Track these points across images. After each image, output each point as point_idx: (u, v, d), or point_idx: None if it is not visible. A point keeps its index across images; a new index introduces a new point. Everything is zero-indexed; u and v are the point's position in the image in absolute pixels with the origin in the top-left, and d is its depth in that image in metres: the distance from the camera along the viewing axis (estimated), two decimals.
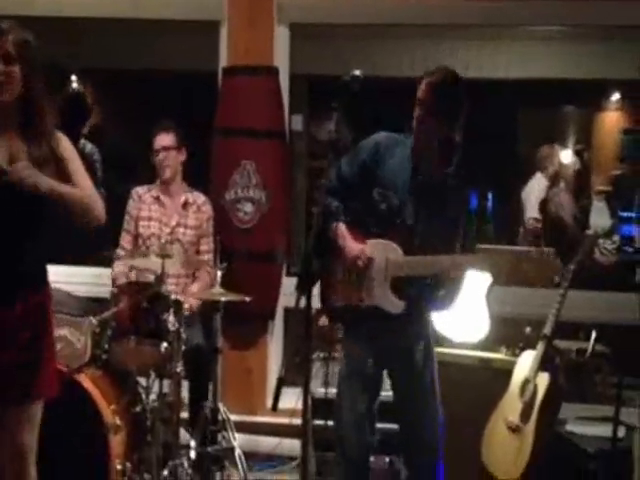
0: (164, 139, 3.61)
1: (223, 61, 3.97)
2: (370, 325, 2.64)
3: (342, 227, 2.68)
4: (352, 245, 2.64)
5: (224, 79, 3.94)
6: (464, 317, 3.26)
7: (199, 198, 3.71)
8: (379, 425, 2.77)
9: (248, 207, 3.89)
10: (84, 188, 2.31)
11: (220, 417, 3.30)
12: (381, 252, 2.61)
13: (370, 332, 2.65)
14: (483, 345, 3.36)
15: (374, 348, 2.68)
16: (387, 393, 2.79)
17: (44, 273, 2.33)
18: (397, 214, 2.62)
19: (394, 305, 2.58)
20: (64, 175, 2.28)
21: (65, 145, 2.32)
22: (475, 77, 4.78)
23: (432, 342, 2.77)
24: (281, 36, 3.94)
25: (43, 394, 2.28)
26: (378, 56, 5.07)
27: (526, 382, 2.96)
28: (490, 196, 6.45)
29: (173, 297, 3.18)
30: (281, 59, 3.94)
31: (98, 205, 2.33)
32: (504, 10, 3.80)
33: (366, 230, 2.66)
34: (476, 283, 3.03)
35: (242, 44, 3.90)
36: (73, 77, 5.44)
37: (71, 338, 3.01)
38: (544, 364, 2.97)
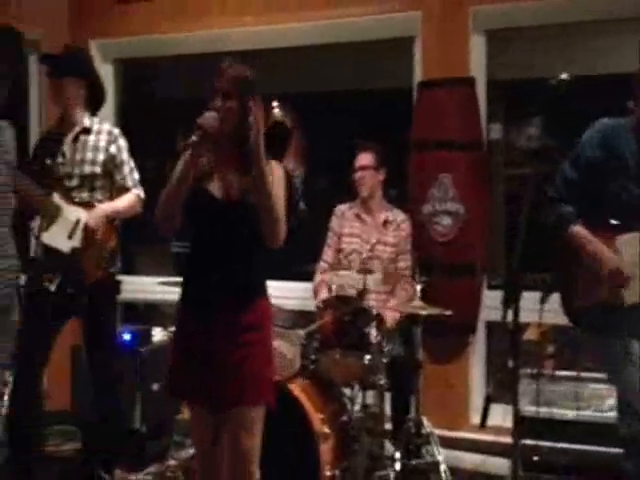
0: (363, 158, 3.71)
1: (418, 76, 3.99)
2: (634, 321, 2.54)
3: (582, 230, 2.61)
4: (602, 247, 2.58)
5: (419, 93, 3.95)
6: None
7: (399, 216, 3.76)
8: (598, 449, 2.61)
9: (446, 220, 3.87)
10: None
11: (424, 431, 3.30)
12: (634, 246, 2.51)
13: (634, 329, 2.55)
14: None
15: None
16: (612, 414, 2.62)
17: (264, 287, 2.45)
18: None
19: None
20: None
21: (277, 174, 2.40)
22: None
23: None
24: (477, 44, 3.89)
25: (263, 401, 2.39)
26: (580, 55, 4.82)
27: None
28: None
29: (375, 311, 3.25)
30: (477, 68, 3.89)
31: (283, 230, 2.36)
32: None
33: (604, 226, 2.58)
34: None
35: (436, 57, 3.90)
36: (274, 103, 5.73)
37: (282, 349, 3.17)
38: None
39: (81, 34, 4.49)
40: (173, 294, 3.73)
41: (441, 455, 3.29)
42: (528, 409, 3.04)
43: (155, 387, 3.89)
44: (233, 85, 2.33)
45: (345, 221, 3.78)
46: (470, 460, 3.70)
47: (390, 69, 4.63)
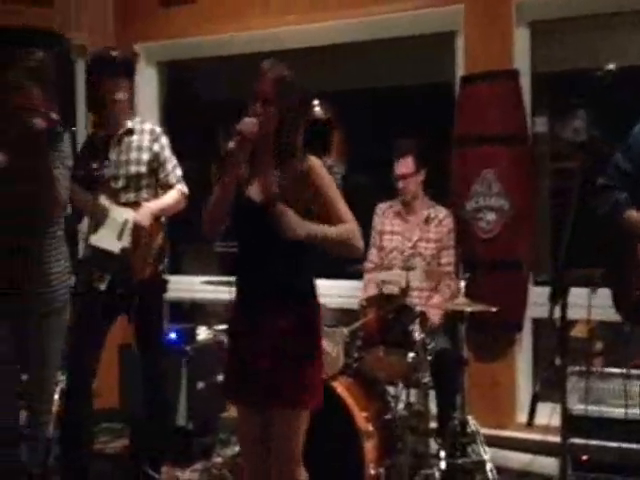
0: (403, 166, 3.65)
1: (460, 70, 3.95)
2: None
3: (638, 215, 2.60)
4: None
5: (462, 88, 3.91)
6: None
7: (441, 212, 3.73)
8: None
9: (490, 216, 3.82)
10: (343, 219, 2.32)
11: (469, 429, 3.27)
12: None
13: None
14: None
15: None
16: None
17: (312, 287, 2.44)
18: None
19: None
20: (320, 203, 2.33)
21: (320, 173, 2.36)
22: None
23: None
24: (520, 37, 3.83)
25: (311, 404, 2.39)
26: (626, 45, 4.70)
27: None
28: None
29: (418, 309, 3.23)
30: (521, 60, 3.83)
31: (357, 237, 2.32)
32: None
33: None
34: None
35: (479, 50, 3.85)
36: (315, 101, 5.74)
37: (326, 347, 3.16)
38: None
39: (126, 38, 4.57)
40: (217, 293, 3.79)
41: (487, 454, 3.25)
42: (577, 407, 2.98)
43: (200, 385, 3.93)
44: (272, 89, 2.32)
45: (386, 219, 3.77)
46: (517, 459, 3.64)
47: (432, 64, 4.58)
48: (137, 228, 3.19)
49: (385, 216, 3.78)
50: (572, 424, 2.58)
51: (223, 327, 3.76)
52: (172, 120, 3.73)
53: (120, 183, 3.26)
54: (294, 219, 2.24)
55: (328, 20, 4.21)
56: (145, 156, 3.28)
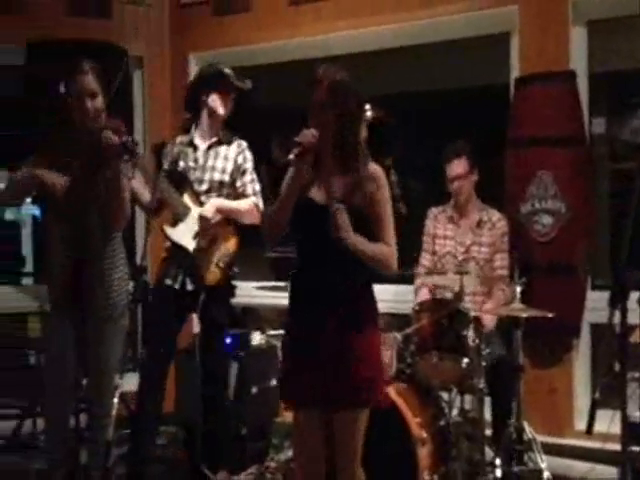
0: (456, 167, 3.62)
1: (515, 71, 3.89)
2: None
3: None
4: None
5: (517, 90, 3.85)
6: None
7: (494, 215, 3.68)
8: None
9: (546, 219, 3.75)
10: (385, 239, 2.39)
11: (525, 437, 3.21)
12: None
13: None
14: None
15: None
16: None
17: (371, 290, 2.47)
18: None
19: None
20: (370, 217, 2.38)
21: (381, 186, 2.42)
22: None
23: None
24: (577, 36, 3.75)
25: (370, 402, 2.42)
26: None
27: None
28: None
29: (472, 314, 3.19)
30: (578, 61, 3.75)
31: (393, 262, 2.42)
32: None
33: None
34: None
35: (535, 51, 3.79)
36: (369, 105, 5.73)
37: None
38: None
39: (181, 48, 4.66)
40: (270, 298, 3.81)
41: (544, 462, 3.19)
42: (637, 414, 2.89)
43: (254, 390, 3.95)
44: (328, 95, 2.35)
45: (438, 223, 3.74)
46: (576, 468, 3.55)
47: (485, 66, 4.53)
48: (202, 220, 3.29)
49: (437, 220, 3.75)
50: (632, 431, 2.49)
51: (276, 332, 3.79)
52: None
53: (204, 186, 3.42)
54: (347, 222, 2.29)
55: (379, 25, 4.21)
56: (229, 166, 3.44)
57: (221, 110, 3.43)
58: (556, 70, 3.73)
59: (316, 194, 2.42)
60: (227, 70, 3.48)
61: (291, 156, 2.31)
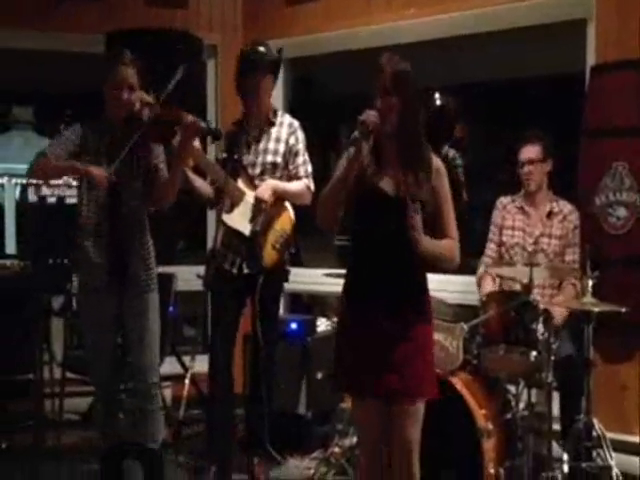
0: (529, 151, 3.57)
1: (591, 59, 3.79)
2: None
3: None
4: None
5: (592, 78, 3.74)
6: None
7: (565, 207, 3.60)
8: None
9: (621, 212, 3.65)
10: (448, 233, 2.42)
11: (595, 433, 3.15)
12: None
13: None
14: None
15: None
16: None
17: (425, 280, 2.49)
18: None
19: None
20: (434, 211, 2.41)
21: (442, 181, 2.44)
22: None
23: None
24: None
25: (426, 394, 2.45)
26: None
27: None
28: None
29: (542, 306, 3.14)
30: None
31: (457, 255, 2.44)
32: None
33: None
34: None
35: (613, 38, 3.67)
36: (436, 94, 5.69)
37: (445, 342, 3.14)
38: None
39: (253, 37, 4.71)
40: (337, 286, 3.84)
41: (613, 459, 3.12)
42: None
43: (319, 375, 4.00)
44: (391, 82, 2.37)
45: (507, 214, 3.68)
46: None
47: (560, 54, 4.42)
48: (257, 201, 3.32)
49: (507, 210, 3.69)
50: None
51: None
52: (296, 115, 3.86)
53: (257, 169, 3.43)
54: (420, 223, 2.33)
55: (451, 12, 4.16)
56: (282, 147, 3.44)
57: (268, 90, 3.41)
58: (634, 58, 3.61)
59: (386, 184, 2.43)
60: (261, 49, 3.40)
61: (355, 134, 2.33)
